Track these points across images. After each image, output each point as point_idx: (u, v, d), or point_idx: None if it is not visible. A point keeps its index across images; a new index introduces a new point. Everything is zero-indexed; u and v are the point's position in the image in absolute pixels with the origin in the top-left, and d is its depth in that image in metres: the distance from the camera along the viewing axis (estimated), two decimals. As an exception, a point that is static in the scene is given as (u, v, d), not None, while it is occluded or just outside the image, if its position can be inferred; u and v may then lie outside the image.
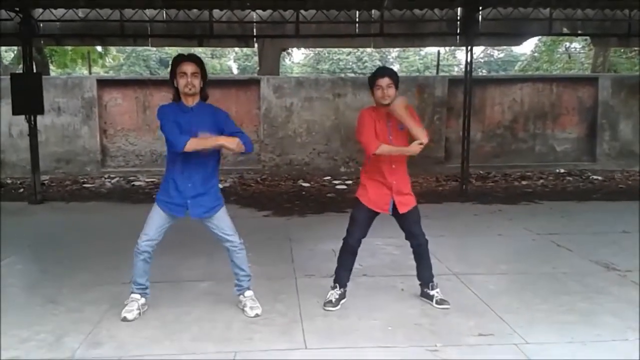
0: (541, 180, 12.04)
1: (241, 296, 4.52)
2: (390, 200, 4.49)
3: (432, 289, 4.65)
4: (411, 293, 4.90)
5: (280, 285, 5.17)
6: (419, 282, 4.76)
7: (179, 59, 4.13)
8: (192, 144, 3.99)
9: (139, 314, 4.37)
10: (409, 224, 4.58)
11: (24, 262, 6.18)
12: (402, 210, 4.50)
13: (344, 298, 4.65)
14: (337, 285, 4.66)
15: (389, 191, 4.48)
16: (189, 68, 4.08)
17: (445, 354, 3.77)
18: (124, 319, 4.27)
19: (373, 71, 4.53)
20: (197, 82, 4.12)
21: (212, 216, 4.34)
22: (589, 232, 7.31)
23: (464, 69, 10.90)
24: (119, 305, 4.66)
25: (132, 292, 4.44)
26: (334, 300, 4.57)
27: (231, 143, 4.02)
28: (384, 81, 4.35)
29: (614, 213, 8.62)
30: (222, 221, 4.39)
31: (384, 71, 4.46)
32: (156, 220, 4.34)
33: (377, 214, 4.57)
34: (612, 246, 6.48)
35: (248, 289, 4.54)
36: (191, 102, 4.19)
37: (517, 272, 5.65)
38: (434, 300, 4.60)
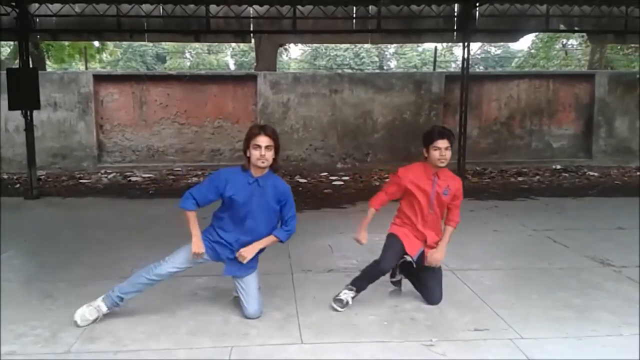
0: (537, 177, 12.07)
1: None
2: (420, 249, 4.51)
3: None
4: (407, 288, 4.91)
5: (277, 280, 5.18)
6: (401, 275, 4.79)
7: (256, 131, 4.09)
8: (192, 220, 4.20)
9: (93, 322, 4.15)
10: (428, 282, 4.58)
11: (20, 257, 6.18)
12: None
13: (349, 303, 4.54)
14: (354, 288, 4.53)
15: (421, 242, 4.52)
16: (264, 140, 4.04)
17: (440, 349, 3.79)
18: (75, 323, 4.10)
19: (430, 130, 4.45)
20: (270, 156, 4.08)
21: (242, 277, 4.30)
22: (585, 228, 7.33)
23: (460, 65, 10.92)
24: (115, 300, 4.67)
25: (103, 300, 4.23)
26: (344, 301, 4.47)
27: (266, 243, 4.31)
28: (443, 143, 4.30)
29: (610, 209, 8.65)
30: (250, 284, 4.31)
31: (442, 133, 4.36)
32: (184, 255, 4.26)
33: (404, 254, 4.48)
34: (607, 242, 6.51)
35: None
36: (259, 173, 4.16)
37: (512, 268, 5.67)
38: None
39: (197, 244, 4.16)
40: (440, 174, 4.43)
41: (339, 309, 4.42)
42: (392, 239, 4.54)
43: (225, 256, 4.26)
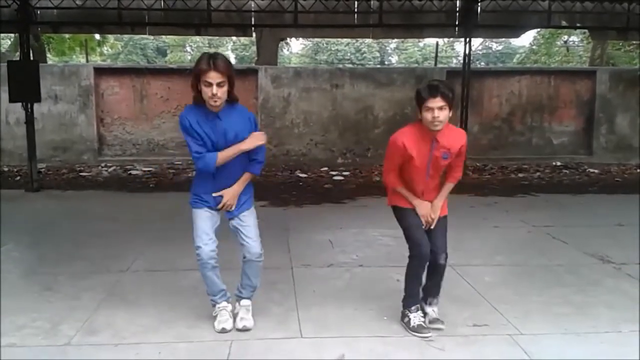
0: (538, 173, 12.07)
1: (237, 304, 4.16)
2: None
3: (430, 305, 4.10)
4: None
5: (277, 274, 5.18)
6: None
7: (204, 67, 3.61)
8: (220, 160, 3.78)
9: (240, 317, 4.05)
10: (433, 233, 3.98)
11: (20, 249, 6.18)
12: (441, 212, 4.02)
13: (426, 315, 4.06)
14: (417, 305, 4.06)
15: (422, 197, 3.99)
16: (215, 77, 3.61)
17: (439, 344, 3.79)
18: (223, 330, 3.95)
19: (422, 88, 3.70)
20: (223, 92, 3.68)
21: (238, 214, 4.00)
22: (585, 225, 7.34)
23: (462, 61, 10.90)
24: (115, 293, 4.70)
25: (216, 304, 4.11)
26: (424, 323, 3.97)
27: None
28: (436, 102, 3.61)
29: (610, 206, 8.66)
30: (247, 223, 4.01)
31: (435, 89, 3.63)
32: (202, 222, 3.96)
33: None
34: (607, 239, 6.51)
35: (247, 298, 4.16)
36: (217, 109, 3.78)
37: (512, 264, 5.68)
38: (427, 319, 4.03)
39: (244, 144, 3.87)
40: (439, 136, 3.77)
41: (427, 334, 3.90)
42: (403, 212, 4.02)
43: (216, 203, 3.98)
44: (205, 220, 3.95)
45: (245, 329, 3.99)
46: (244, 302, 4.15)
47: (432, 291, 4.10)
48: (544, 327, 4.08)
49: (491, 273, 5.35)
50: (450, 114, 3.71)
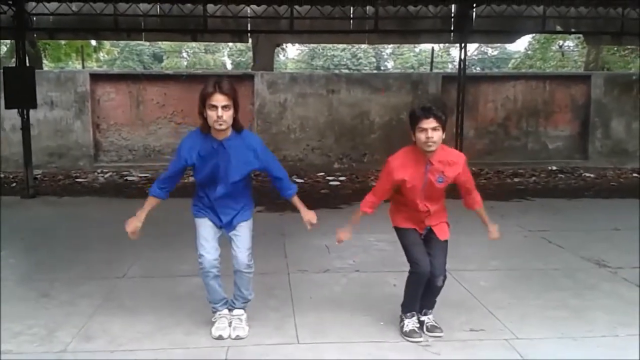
0: (533, 178, 12.09)
1: (229, 312, 4.13)
2: (426, 228, 4.01)
3: (425, 315, 4.10)
4: (403, 289, 4.92)
5: (273, 280, 5.19)
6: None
7: (209, 90, 3.60)
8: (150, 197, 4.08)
9: (233, 327, 4.03)
10: (433, 253, 3.95)
11: (16, 255, 6.17)
12: (442, 236, 4.01)
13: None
14: (413, 312, 4.05)
15: (422, 223, 4.01)
16: (220, 100, 3.59)
17: (436, 349, 3.80)
18: (219, 337, 3.94)
19: (416, 109, 3.73)
20: (228, 116, 3.65)
21: (236, 224, 4.00)
22: (581, 229, 7.35)
23: (457, 66, 10.93)
24: (112, 299, 4.69)
25: (217, 310, 4.10)
26: (417, 328, 3.98)
27: None
28: (429, 123, 3.62)
29: (606, 210, 8.68)
30: (241, 233, 4.00)
31: (428, 110, 3.64)
32: (204, 230, 3.98)
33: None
34: (603, 243, 6.52)
35: (240, 309, 4.12)
36: (222, 136, 3.75)
37: (508, 269, 5.69)
38: (425, 327, 4.04)
39: (131, 224, 4.11)
40: (434, 158, 3.77)
41: (419, 339, 3.91)
42: (404, 232, 4.01)
43: (219, 219, 4.00)
44: (207, 228, 3.97)
45: (238, 338, 3.95)
46: (237, 312, 4.12)
47: (426, 304, 4.10)
48: (541, 331, 4.09)
49: (487, 278, 5.36)
50: (444, 136, 3.72)
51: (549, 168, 13.01)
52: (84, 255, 6.04)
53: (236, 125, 3.78)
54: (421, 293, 3.99)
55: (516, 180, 11.89)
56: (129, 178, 11.86)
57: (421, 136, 3.65)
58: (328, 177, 12.04)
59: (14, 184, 11.05)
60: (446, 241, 4.05)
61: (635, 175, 12.52)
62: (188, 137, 3.88)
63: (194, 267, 5.18)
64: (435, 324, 4.06)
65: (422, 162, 3.79)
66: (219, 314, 4.08)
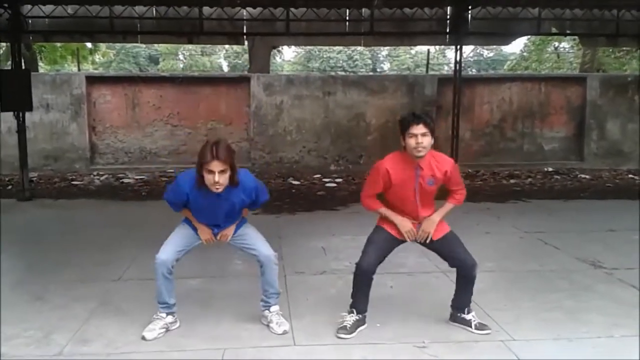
0: (529, 179, 12.12)
1: (266, 311, 4.22)
2: (418, 227, 4.07)
3: (468, 313, 4.16)
4: (399, 291, 4.93)
5: (270, 282, 5.17)
6: (450, 306, 4.27)
7: (208, 158, 3.70)
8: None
9: (165, 331, 4.07)
10: (449, 250, 4.08)
11: (11, 258, 6.14)
12: (436, 236, 4.08)
13: (362, 325, 4.13)
14: (354, 310, 4.14)
15: (416, 222, 4.08)
16: (217, 166, 3.70)
17: (432, 351, 3.80)
18: (143, 338, 3.97)
19: (404, 115, 3.97)
20: (225, 179, 3.78)
21: (236, 235, 4.20)
22: (576, 231, 7.37)
23: (453, 68, 10.96)
24: (107, 302, 4.68)
25: (157, 312, 4.15)
26: (348, 326, 4.06)
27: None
28: (419, 129, 3.78)
29: (601, 212, 8.69)
30: (247, 235, 4.21)
31: (417, 117, 3.84)
32: (177, 237, 4.17)
33: (399, 242, 4.14)
34: (598, 244, 6.54)
35: (276, 304, 4.24)
36: (218, 191, 3.87)
37: (504, 270, 5.69)
38: (473, 325, 4.10)
39: (204, 231, 4.16)
40: (423, 163, 3.91)
41: (345, 336, 4.00)
42: (375, 233, 4.14)
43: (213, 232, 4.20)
44: (181, 237, 4.15)
45: (285, 333, 4.07)
46: (274, 308, 4.24)
47: (463, 301, 4.19)
48: (536, 332, 4.09)
49: (483, 279, 5.33)
50: (432, 142, 3.85)
51: (545, 169, 13.04)
52: (79, 258, 6.02)
53: (232, 182, 3.88)
54: (366, 288, 4.11)
55: (512, 181, 11.92)
56: (125, 180, 11.84)
57: (411, 141, 3.82)
58: (324, 179, 12.05)
59: (10, 187, 11.03)
60: (452, 232, 4.17)
61: (631, 176, 12.56)
62: (186, 178, 3.99)
63: (189, 269, 5.19)
64: (482, 322, 4.15)
65: (411, 167, 3.93)
66: (156, 316, 4.12)
